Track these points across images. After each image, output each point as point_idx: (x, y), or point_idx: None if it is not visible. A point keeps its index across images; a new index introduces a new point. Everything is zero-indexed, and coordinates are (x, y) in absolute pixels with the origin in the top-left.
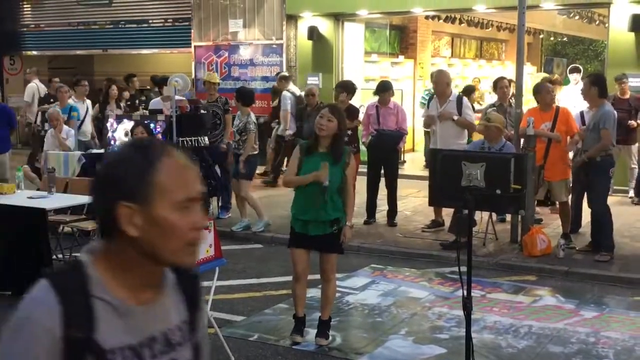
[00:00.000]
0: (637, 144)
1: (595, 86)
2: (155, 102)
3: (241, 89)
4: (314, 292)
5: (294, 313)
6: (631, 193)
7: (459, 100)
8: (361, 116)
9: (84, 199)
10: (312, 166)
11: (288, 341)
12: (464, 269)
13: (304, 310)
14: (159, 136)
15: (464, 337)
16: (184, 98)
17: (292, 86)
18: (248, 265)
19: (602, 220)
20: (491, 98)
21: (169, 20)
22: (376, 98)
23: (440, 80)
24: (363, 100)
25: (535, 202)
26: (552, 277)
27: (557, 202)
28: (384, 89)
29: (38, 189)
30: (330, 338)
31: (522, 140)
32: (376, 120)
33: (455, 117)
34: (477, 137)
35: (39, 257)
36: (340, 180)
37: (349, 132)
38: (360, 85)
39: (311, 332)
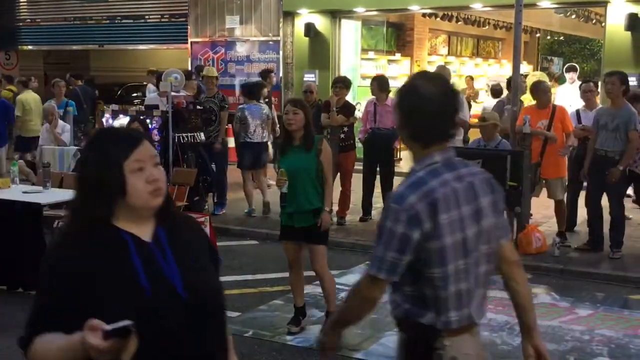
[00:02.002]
0: None
1: (624, 85)
2: (152, 98)
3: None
4: (310, 289)
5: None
6: (629, 191)
7: None
8: (357, 113)
9: None
10: (287, 161)
11: (283, 337)
12: None
13: (304, 301)
14: (155, 132)
15: None
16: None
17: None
18: (243, 262)
19: (620, 219)
20: (486, 96)
21: (165, 16)
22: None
23: (441, 74)
24: (359, 97)
25: None
26: (548, 275)
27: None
28: (380, 89)
29: (33, 184)
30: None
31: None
32: (373, 117)
33: None
34: (474, 135)
35: (34, 252)
36: (315, 168)
37: (345, 128)
38: (357, 82)
39: (309, 328)
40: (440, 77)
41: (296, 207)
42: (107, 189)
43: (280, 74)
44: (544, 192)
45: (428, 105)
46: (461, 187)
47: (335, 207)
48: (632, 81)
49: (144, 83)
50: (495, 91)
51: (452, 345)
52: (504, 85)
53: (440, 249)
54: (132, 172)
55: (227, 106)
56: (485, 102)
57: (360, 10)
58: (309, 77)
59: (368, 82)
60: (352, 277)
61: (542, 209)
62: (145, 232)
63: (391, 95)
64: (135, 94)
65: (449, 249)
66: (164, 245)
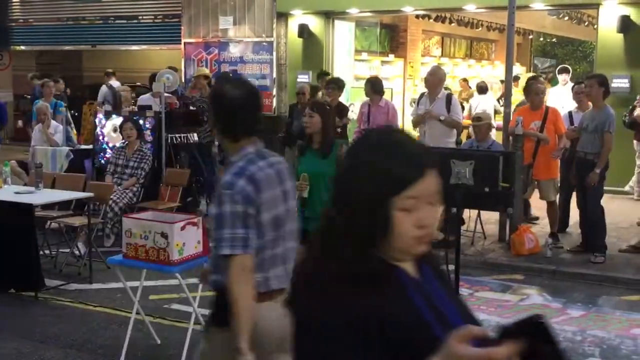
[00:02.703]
0: None
1: (603, 87)
2: (145, 98)
3: None
4: None
5: None
6: (627, 188)
7: (448, 99)
8: (351, 114)
9: (72, 195)
10: (305, 164)
11: None
12: (452, 267)
13: None
14: (148, 132)
15: None
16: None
17: (113, 81)
18: None
19: (598, 221)
20: (471, 101)
21: (158, 17)
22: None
23: (435, 73)
24: (352, 98)
25: None
26: (540, 276)
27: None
28: (374, 91)
29: (25, 184)
30: None
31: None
32: (366, 118)
33: (442, 118)
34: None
35: (26, 253)
36: (333, 174)
37: (338, 129)
38: (350, 83)
39: None
40: (245, 82)
41: (311, 212)
42: (367, 223)
43: (274, 75)
44: (536, 193)
45: (233, 106)
46: (272, 172)
47: None
48: (624, 83)
49: (138, 83)
50: (481, 88)
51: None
52: (497, 86)
53: (260, 222)
54: (401, 210)
55: None
56: (472, 100)
57: (353, 11)
58: (303, 78)
59: (361, 83)
60: None
61: (535, 210)
62: (409, 266)
63: (385, 96)
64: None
65: (266, 222)
66: (434, 284)
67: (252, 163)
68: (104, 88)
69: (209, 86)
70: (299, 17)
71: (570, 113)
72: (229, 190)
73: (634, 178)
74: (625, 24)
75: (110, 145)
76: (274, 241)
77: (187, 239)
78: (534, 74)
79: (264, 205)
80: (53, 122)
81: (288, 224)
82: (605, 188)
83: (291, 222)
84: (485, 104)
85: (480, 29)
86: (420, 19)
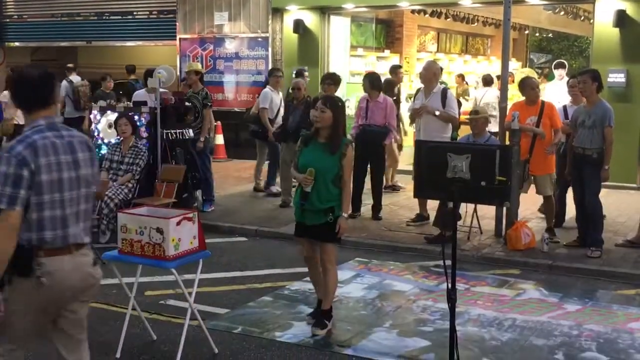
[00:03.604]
0: None
1: (596, 82)
2: (140, 94)
3: None
4: (299, 285)
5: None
6: None
7: (444, 94)
8: (347, 110)
9: None
10: (308, 156)
11: (272, 333)
12: (448, 262)
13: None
14: (143, 128)
15: (448, 329)
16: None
17: (73, 76)
18: (232, 258)
19: (595, 216)
20: (476, 93)
21: (153, 12)
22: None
23: (429, 68)
24: (348, 94)
25: None
26: (536, 270)
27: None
28: (372, 86)
29: None
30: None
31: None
32: (364, 114)
33: (437, 113)
34: (464, 131)
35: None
36: (336, 171)
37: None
38: (346, 79)
39: (297, 324)
40: (41, 67)
41: (309, 205)
42: None
43: None
44: (533, 188)
45: (26, 84)
46: (60, 142)
47: None
48: (620, 77)
49: (131, 79)
50: (486, 80)
51: (48, 262)
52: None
53: (39, 183)
54: None
55: (210, 104)
56: (477, 92)
57: (349, 6)
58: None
59: (357, 78)
60: (341, 274)
61: (531, 205)
62: None
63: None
64: (123, 91)
65: (45, 183)
66: None
67: (38, 133)
68: (64, 83)
69: (201, 82)
70: (294, 12)
71: (564, 107)
72: (7, 154)
73: None
74: (622, 19)
75: (106, 141)
76: (53, 203)
77: (182, 234)
78: (529, 68)
79: (43, 167)
80: None
81: (80, 189)
82: (608, 183)
83: (84, 187)
84: (490, 95)
85: (476, 24)
86: (416, 14)
